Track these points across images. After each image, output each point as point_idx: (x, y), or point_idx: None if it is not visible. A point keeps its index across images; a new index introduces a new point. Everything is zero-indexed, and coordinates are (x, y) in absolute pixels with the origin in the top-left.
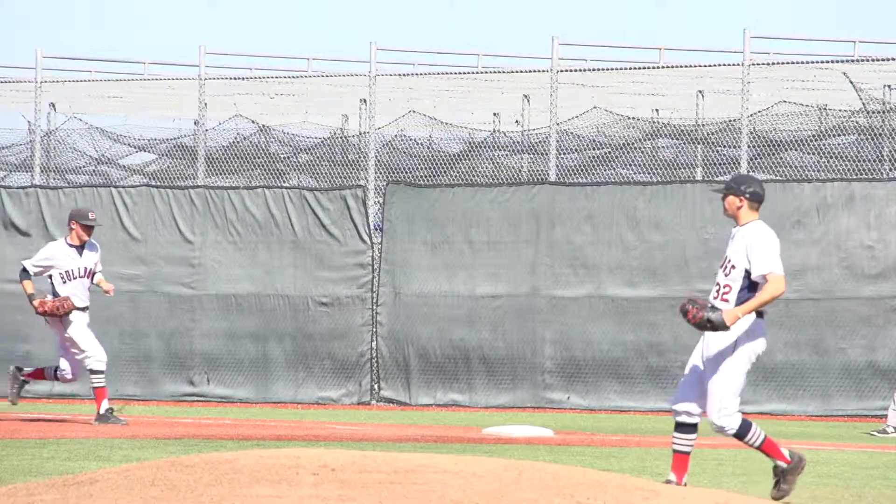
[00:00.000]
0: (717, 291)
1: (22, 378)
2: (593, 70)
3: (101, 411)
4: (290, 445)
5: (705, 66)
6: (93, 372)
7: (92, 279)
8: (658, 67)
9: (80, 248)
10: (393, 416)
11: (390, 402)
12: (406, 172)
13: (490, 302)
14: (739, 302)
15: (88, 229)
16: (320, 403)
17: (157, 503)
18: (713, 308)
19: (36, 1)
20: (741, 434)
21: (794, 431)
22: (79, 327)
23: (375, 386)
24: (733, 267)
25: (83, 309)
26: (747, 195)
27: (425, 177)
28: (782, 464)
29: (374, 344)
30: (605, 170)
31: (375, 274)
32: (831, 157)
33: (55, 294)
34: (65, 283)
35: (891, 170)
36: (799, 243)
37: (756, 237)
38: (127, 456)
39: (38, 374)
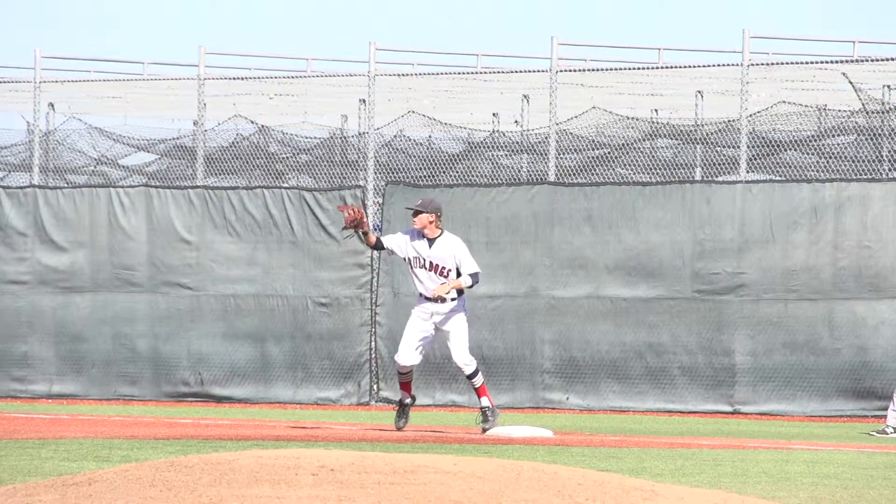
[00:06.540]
0: None
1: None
2: (593, 70)
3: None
4: (289, 446)
5: (705, 66)
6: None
7: (437, 272)
8: (658, 67)
9: (431, 240)
10: (392, 416)
11: (389, 402)
12: (405, 172)
13: (489, 302)
14: None
15: (414, 215)
16: (319, 404)
17: (155, 503)
18: None
19: (36, 1)
20: None
21: (793, 431)
22: (410, 320)
23: (374, 386)
24: None
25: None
26: None
27: (425, 177)
28: None
29: (372, 344)
30: (604, 170)
31: (374, 274)
32: (830, 158)
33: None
34: (412, 268)
35: (890, 170)
36: (797, 243)
37: None
38: (126, 456)
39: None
